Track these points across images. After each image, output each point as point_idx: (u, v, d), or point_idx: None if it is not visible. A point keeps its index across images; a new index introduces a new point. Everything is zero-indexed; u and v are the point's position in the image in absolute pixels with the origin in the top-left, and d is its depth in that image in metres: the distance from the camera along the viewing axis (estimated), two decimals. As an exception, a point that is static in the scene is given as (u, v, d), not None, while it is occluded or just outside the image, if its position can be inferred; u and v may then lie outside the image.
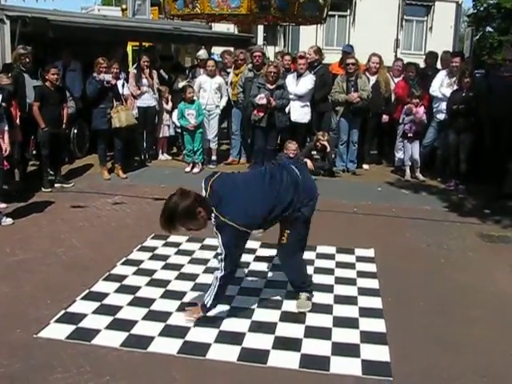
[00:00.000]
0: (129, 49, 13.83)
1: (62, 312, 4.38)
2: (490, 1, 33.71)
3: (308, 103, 9.58)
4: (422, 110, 9.11)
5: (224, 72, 10.50)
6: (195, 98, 9.49)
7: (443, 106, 9.01)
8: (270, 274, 5.23)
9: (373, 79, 9.64)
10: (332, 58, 11.56)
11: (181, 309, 4.46)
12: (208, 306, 4.15)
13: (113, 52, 9.99)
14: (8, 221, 6.49)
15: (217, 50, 14.58)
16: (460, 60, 9.21)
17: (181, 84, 10.35)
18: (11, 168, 7.47)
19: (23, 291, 4.75)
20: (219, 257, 4.09)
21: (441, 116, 9.18)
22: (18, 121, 7.50)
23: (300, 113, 9.52)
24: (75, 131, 9.80)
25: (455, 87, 8.81)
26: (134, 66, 10.56)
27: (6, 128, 6.57)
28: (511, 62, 8.58)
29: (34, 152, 8.78)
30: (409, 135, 9.18)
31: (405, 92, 9.45)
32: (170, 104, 10.14)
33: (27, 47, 8.09)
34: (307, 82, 9.45)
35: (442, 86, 9.13)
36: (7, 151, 6.56)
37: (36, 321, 4.22)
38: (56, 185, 8.19)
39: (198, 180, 9.13)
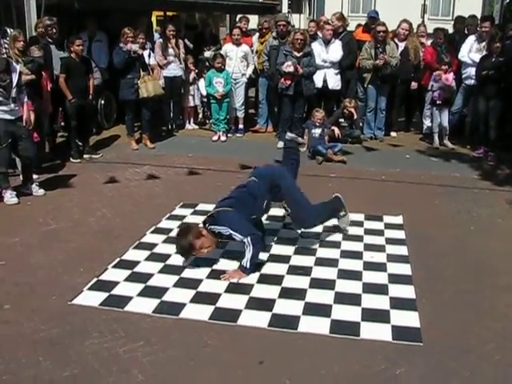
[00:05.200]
0: (153, 19, 13.78)
1: (95, 280, 4.47)
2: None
3: (339, 70, 9.49)
4: (451, 76, 8.96)
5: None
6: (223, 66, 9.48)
7: (472, 71, 8.82)
8: (299, 241, 5.25)
9: (401, 46, 9.47)
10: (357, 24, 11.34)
11: (211, 276, 4.53)
12: (248, 267, 4.49)
13: (138, 22, 9.94)
14: (40, 191, 6.59)
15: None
16: (489, 24, 9.00)
17: (207, 53, 10.31)
18: (41, 140, 7.56)
19: (57, 260, 4.85)
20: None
21: (470, 82, 9.01)
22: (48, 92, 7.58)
23: (335, 80, 9.40)
24: (102, 102, 9.84)
25: (484, 52, 8.63)
26: (158, 35, 10.51)
27: (26, 100, 6.45)
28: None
29: (63, 124, 8.87)
30: (438, 102, 9.05)
31: (433, 58, 9.31)
32: (193, 74, 10.12)
33: (53, 18, 8.11)
34: (338, 48, 9.33)
35: (470, 51, 8.95)
36: (27, 123, 6.42)
37: (70, 288, 4.31)
38: (85, 156, 8.26)
39: (225, 148, 9.24)
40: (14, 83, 6.19)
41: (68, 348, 3.54)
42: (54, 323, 3.81)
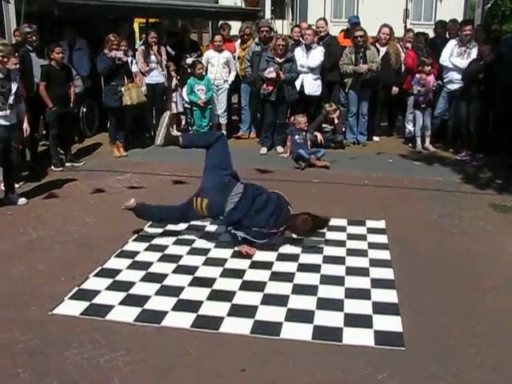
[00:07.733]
0: (135, 26, 13.74)
1: (76, 289, 4.42)
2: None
3: (319, 75, 9.50)
4: (432, 78, 9.04)
5: None
6: (204, 73, 9.46)
7: (453, 75, 8.89)
8: (281, 247, 5.22)
9: (383, 50, 9.52)
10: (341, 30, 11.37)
11: (193, 284, 4.50)
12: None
13: (119, 29, 9.90)
14: (22, 200, 6.52)
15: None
16: (471, 28, 9.05)
17: (189, 60, 10.29)
18: (22, 148, 7.50)
19: (37, 269, 4.80)
20: None
21: (452, 86, 9.05)
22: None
23: (313, 85, 9.44)
24: (84, 110, 9.80)
25: (466, 56, 8.68)
26: (141, 42, 10.49)
27: (24, 109, 6.64)
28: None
29: (44, 132, 8.80)
30: (422, 106, 9.09)
31: (415, 63, 9.34)
32: (175, 81, 10.10)
33: (32, 26, 8.04)
34: (318, 54, 9.35)
35: (451, 55, 8.99)
36: (27, 131, 6.72)
37: (51, 298, 4.26)
38: (67, 164, 8.21)
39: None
40: (13, 91, 6.32)
41: (47, 359, 3.49)
42: (34, 334, 3.76)
